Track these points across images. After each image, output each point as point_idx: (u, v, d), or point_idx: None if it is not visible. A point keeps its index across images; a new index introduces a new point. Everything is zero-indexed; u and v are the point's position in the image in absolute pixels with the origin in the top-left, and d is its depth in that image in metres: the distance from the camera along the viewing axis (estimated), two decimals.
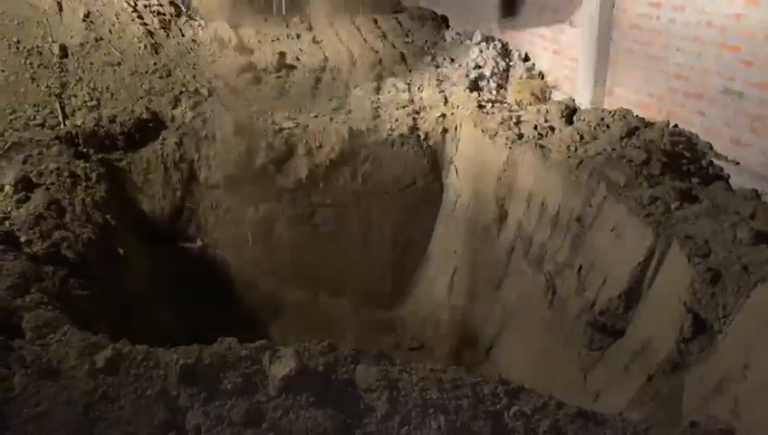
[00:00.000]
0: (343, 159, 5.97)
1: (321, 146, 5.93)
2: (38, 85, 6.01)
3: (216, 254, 5.73)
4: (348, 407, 2.19)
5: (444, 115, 6.37)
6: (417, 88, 7.32)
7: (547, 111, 6.07)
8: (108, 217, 4.41)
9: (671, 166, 4.68)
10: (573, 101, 6.64)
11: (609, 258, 4.18)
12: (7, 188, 4.00)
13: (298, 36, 8.97)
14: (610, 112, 5.64)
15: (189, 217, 5.70)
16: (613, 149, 4.93)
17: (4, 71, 5.98)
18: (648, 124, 5.34)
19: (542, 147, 5.28)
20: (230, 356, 2.35)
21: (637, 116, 5.53)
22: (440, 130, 6.29)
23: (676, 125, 5.43)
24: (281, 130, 5.97)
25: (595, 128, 5.40)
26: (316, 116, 6.28)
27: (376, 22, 9.96)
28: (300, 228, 6.03)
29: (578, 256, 4.51)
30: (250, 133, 5.85)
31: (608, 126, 5.39)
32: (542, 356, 4.58)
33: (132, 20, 7.27)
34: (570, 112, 5.91)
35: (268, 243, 5.98)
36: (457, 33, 9.25)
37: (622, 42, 6.41)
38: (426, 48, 8.99)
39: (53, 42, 6.53)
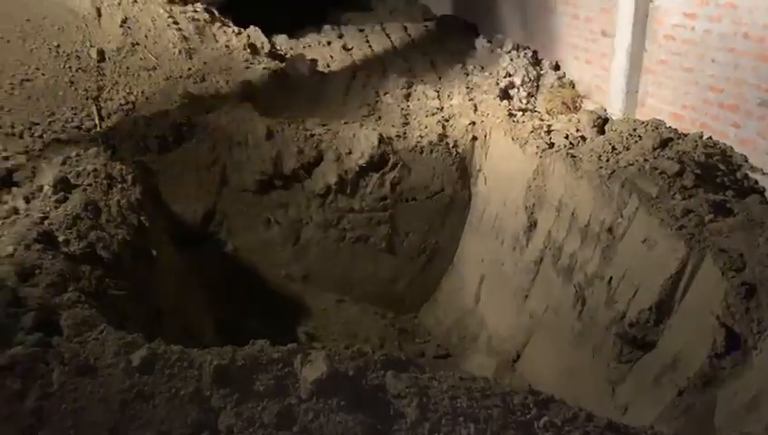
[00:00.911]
0: (372, 166, 6.00)
1: (350, 152, 5.97)
2: (76, 89, 6.16)
3: (246, 257, 5.79)
4: (378, 412, 2.21)
5: (473, 123, 6.37)
6: (446, 96, 7.33)
7: (578, 121, 6.04)
8: (142, 218, 4.48)
9: (705, 178, 4.62)
10: (605, 110, 6.60)
11: (641, 270, 4.14)
12: (46, 188, 4.10)
13: (329, 43, 9.07)
14: (643, 123, 5.59)
15: (221, 220, 5.78)
16: (645, 160, 4.88)
17: (44, 74, 6.13)
18: (681, 135, 5.28)
19: (572, 156, 5.25)
20: (262, 358, 2.38)
21: (670, 127, 5.47)
22: (469, 137, 6.28)
23: (710, 137, 5.36)
24: (311, 135, 6.02)
25: (627, 138, 5.35)
26: (346, 122, 6.32)
27: (406, 29, 10.02)
28: (328, 233, 6.07)
29: (608, 268, 4.47)
30: (281, 138, 5.91)
31: (640, 137, 5.34)
32: (570, 367, 4.55)
33: (168, 26, 7.41)
34: (601, 122, 5.87)
35: (296, 247, 6.03)
36: (488, 42, 9.25)
37: (656, 52, 6.34)
38: (456, 56, 9.01)
39: (92, 46, 6.69)
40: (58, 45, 6.51)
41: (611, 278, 4.37)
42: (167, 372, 2.34)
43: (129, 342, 2.51)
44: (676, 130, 5.41)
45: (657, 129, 5.39)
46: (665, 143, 5.14)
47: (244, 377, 2.30)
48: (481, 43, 9.27)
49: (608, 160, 5.05)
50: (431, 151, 6.15)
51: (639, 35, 6.46)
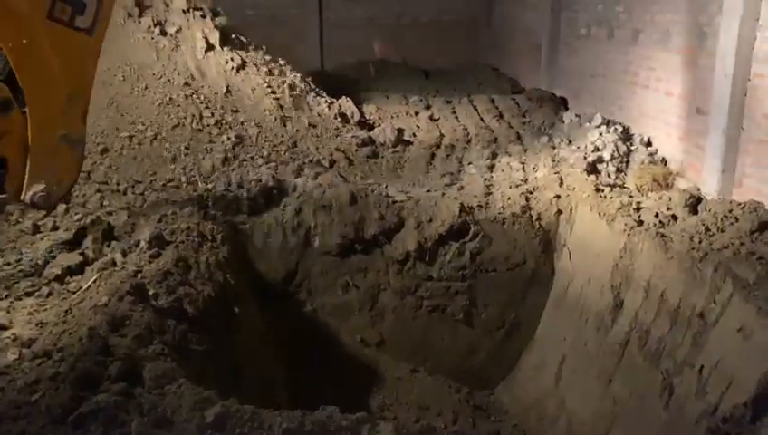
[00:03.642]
0: (452, 235, 6.00)
1: (431, 220, 6.01)
2: (177, 154, 6.59)
3: (323, 318, 5.86)
4: None
5: (558, 196, 6.29)
6: (531, 168, 7.30)
7: (669, 199, 5.83)
8: (228, 276, 4.66)
9: None
10: (698, 190, 6.35)
11: (735, 361, 3.87)
12: (143, 243, 4.36)
13: (416, 114, 9.30)
14: (739, 204, 5.33)
15: (301, 282, 5.90)
16: (742, 244, 4.63)
17: (156, 136, 6.62)
18: None
19: (662, 236, 5.06)
20: (331, 425, 2.38)
21: None
22: (554, 211, 6.19)
23: None
24: (393, 202, 6.12)
25: (722, 220, 5.11)
26: (428, 190, 6.40)
27: (493, 101, 10.15)
28: (405, 301, 6.06)
29: (699, 355, 4.21)
30: (364, 204, 6.04)
31: (736, 218, 5.09)
32: None
33: (266, 95, 7.85)
34: (694, 202, 5.65)
35: (372, 312, 6.05)
36: (576, 115, 9.20)
37: (754, 131, 6.11)
38: (543, 129, 9.00)
39: (195, 114, 7.18)
40: (162, 103, 7.01)
41: (702, 367, 4.10)
42: (237, 431, 2.38)
43: (204, 398, 2.58)
44: None
45: (755, 211, 5.12)
46: (764, 226, 4.87)
47: None
48: (569, 116, 9.23)
49: (700, 242, 4.83)
50: (513, 223, 6.09)
51: (737, 114, 6.25)
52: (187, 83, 7.49)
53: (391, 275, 6.03)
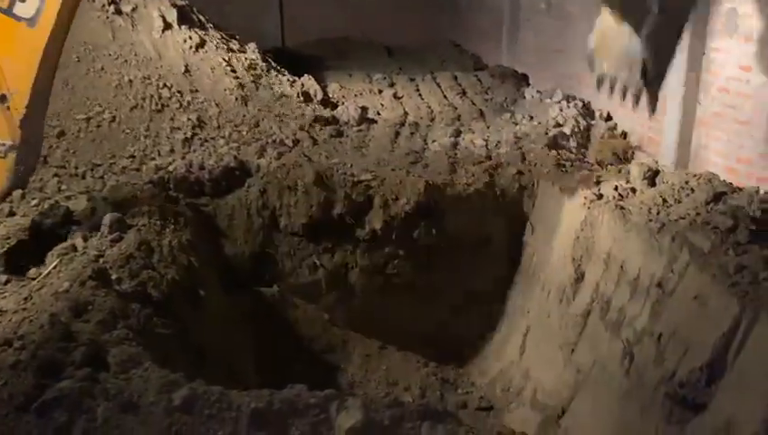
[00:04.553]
0: (418, 213, 6.03)
1: (397, 198, 6.03)
2: (135, 136, 6.46)
3: (292, 300, 5.85)
4: None
5: (521, 172, 6.36)
6: (494, 145, 7.36)
7: (628, 172, 5.96)
8: (192, 259, 4.62)
9: (761, 234, 4.47)
10: (656, 162, 6.49)
11: (692, 327, 4.00)
12: (104, 228, 4.28)
13: (380, 92, 9.26)
14: (695, 176, 5.47)
15: (268, 263, 5.88)
16: (698, 214, 4.76)
17: (114, 118, 6.46)
18: (735, 189, 5.14)
19: (622, 208, 5.17)
20: (299, 403, 2.40)
21: (724, 181, 5.34)
22: (517, 187, 6.27)
23: (766, 191, 5.20)
24: (359, 181, 6.12)
25: (679, 191, 5.25)
26: (393, 169, 6.41)
27: (456, 79, 10.16)
28: (373, 279, 6.10)
29: (658, 324, 4.34)
30: (330, 184, 6.02)
31: (692, 190, 5.22)
32: (616, 426, 4.39)
33: (226, 73, 7.72)
34: (652, 174, 5.78)
35: (341, 292, 6.07)
36: (538, 91, 9.28)
37: (710, 105, 6.26)
38: (505, 105, 9.06)
39: (153, 94, 7.02)
40: (119, 85, 6.83)
41: (661, 335, 4.23)
42: (206, 413, 2.38)
43: (171, 380, 2.57)
44: (730, 183, 5.28)
45: (710, 182, 5.27)
46: (718, 197, 5.01)
47: (280, 421, 2.32)
48: (531, 92, 9.31)
49: (658, 213, 4.95)
50: (478, 199, 6.15)
51: (693, 87, 6.39)
52: (144, 64, 7.32)
53: (359, 255, 6.05)
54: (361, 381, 5.54)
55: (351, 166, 6.40)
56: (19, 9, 3.03)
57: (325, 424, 2.32)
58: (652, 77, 4.40)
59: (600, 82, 4.97)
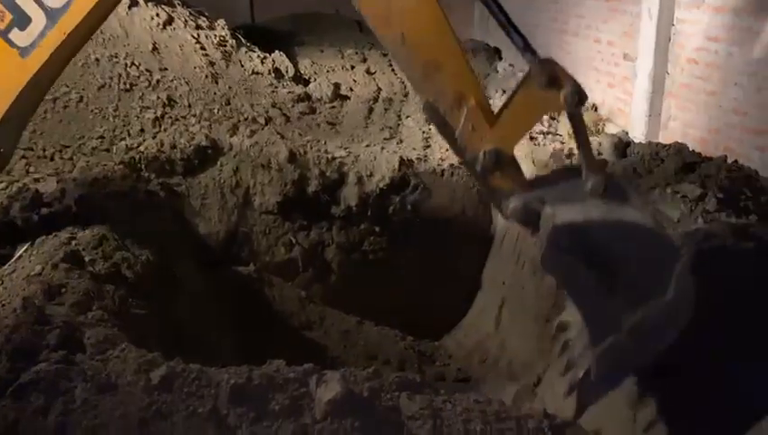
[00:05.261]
0: (393, 188, 6.04)
1: (371, 175, 6.03)
2: (104, 116, 6.33)
3: (267, 278, 5.85)
4: (391, 434, 2.22)
5: None
6: None
7: (600, 144, 6.03)
8: (166, 239, 4.58)
9: (728, 202, 4.57)
10: (627, 134, 6.58)
11: None
12: (75, 209, 4.21)
13: (352, 67, 9.19)
14: (665, 146, 5.56)
15: (243, 242, 5.86)
16: (667, 184, 4.85)
17: (82, 99, 6.32)
18: (704, 159, 5.24)
19: None
20: (278, 378, 2.41)
21: (693, 151, 5.44)
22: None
23: (735, 161, 5.31)
24: (333, 158, 6.10)
25: (649, 162, 5.33)
26: (368, 145, 6.39)
27: None
28: (349, 256, 6.11)
29: None
30: (303, 161, 5.99)
31: (662, 160, 5.31)
32: None
33: (195, 51, 7.59)
34: (623, 146, 5.86)
35: (317, 269, 6.08)
36: (510, 65, 9.30)
37: (678, 76, 6.33)
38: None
39: (121, 73, 6.88)
40: (85, 63, 6.68)
41: None
42: (185, 391, 2.38)
43: (149, 360, 2.56)
44: (699, 153, 5.38)
45: (679, 152, 5.36)
46: (687, 167, 5.10)
47: (260, 396, 2.33)
48: (503, 66, 9.33)
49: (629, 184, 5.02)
50: (452, 174, 6.18)
51: (662, 59, 6.46)
52: (111, 42, 7.15)
53: (334, 232, 6.06)
54: (340, 356, 5.57)
55: (325, 143, 6.37)
56: (15, 35, 2.89)
57: (305, 398, 2.34)
58: None
59: None
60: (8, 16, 2.87)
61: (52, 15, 2.91)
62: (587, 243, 2.64)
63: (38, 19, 2.90)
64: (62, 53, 3.07)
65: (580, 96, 2.64)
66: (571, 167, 3.09)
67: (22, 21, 2.90)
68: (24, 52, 2.95)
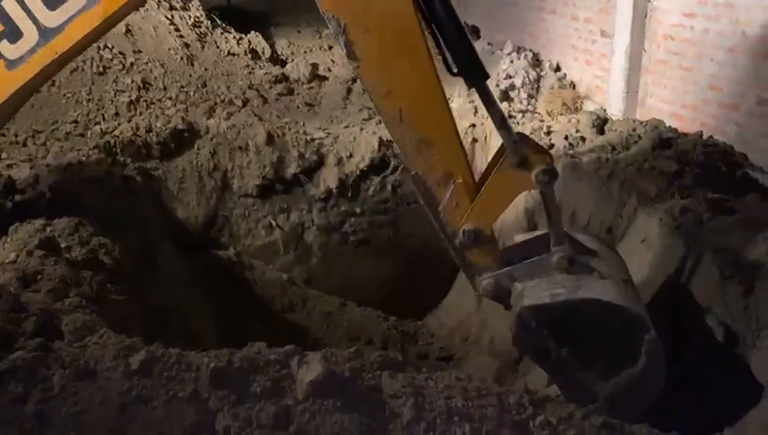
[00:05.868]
0: (373, 169, 6.02)
1: (351, 156, 6.00)
2: (78, 100, 6.21)
3: (248, 261, 5.82)
4: (373, 412, 2.22)
5: (474, 125, 6.39)
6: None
7: (578, 122, 6.05)
8: (144, 224, 4.53)
9: (704, 177, 4.62)
10: (605, 111, 6.61)
11: (641, 270, 4.14)
12: (49, 194, 4.13)
13: (330, 48, 9.10)
14: (642, 123, 5.60)
15: (222, 225, 5.82)
16: (645, 160, 4.89)
17: (54, 83, 6.19)
18: (681, 135, 5.28)
19: (572, 157, 5.26)
20: (259, 360, 2.40)
21: (669, 127, 5.48)
22: (470, 140, 6.31)
23: (710, 136, 5.37)
24: (312, 139, 6.06)
25: (627, 138, 5.37)
26: (347, 126, 6.36)
27: None
28: (330, 237, 6.10)
29: None
30: (282, 143, 5.94)
31: (639, 137, 5.35)
32: None
33: (169, 33, 7.47)
34: (601, 123, 5.88)
35: (298, 251, 6.06)
36: (489, 44, 9.27)
37: (655, 52, 6.36)
38: None
39: (94, 56, 6.75)
40: None
41: None
42: (165, 375, 2.36)
43: (128, 345, 2.53)
44: (675, 129, 5.42)
45: (656, 128, 5.40)
46: (664, 143, 5.15)
47: (242, 379, 2.32)
48: (482, 45, 9.30)
49: (607, 161, 5.06)
50: None
51: (638, 36, 6.48)
52: None
53: (315, 214, 6.04)
54: (323, 337, 5.58)
55: (304, 124, 6.32)
56: (4, 47, 2.81)
57: (287, 379, 2.34)
58: None
59: None
60: None
61: (45, 34, 2.84)
62: (555, 321, 2.82)
63: (30, 35, 2.84)
64: (50, 69, 3.01)
65: (550, 175, 2.84)
66: (540, 235, 3.29)
67: (13, 34, 2.84)
68: (10, 64, 2.88)
